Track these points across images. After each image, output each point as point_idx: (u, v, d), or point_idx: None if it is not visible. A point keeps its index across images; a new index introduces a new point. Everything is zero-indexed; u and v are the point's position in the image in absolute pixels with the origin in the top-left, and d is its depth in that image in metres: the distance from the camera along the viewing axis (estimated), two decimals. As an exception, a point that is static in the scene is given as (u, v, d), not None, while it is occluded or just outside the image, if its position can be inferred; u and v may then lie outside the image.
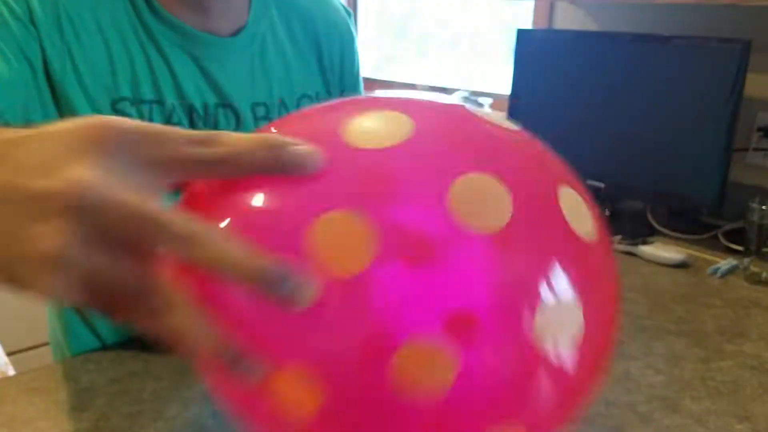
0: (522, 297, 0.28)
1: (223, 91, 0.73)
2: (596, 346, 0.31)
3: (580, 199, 0.32)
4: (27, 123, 0.61)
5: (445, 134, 0.31)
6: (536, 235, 0.29)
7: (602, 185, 1.30)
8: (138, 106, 0.69)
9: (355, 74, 0.89)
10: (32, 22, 0.62)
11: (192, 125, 0.72)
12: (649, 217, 1.29)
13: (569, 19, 1.57)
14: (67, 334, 0.81)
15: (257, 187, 0.28)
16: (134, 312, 0.27)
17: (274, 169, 0.28)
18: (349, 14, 0.88)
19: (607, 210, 1.32)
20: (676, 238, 1.22)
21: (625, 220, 1.30)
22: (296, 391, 0.28)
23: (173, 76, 0.70)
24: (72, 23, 0.64)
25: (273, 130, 0.32)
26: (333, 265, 0.26)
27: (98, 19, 0.66)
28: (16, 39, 0.61)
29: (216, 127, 0.73)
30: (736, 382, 0.75)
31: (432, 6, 2.21)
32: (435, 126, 0.31)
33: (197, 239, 0.25)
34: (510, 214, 0.28)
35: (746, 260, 1.06)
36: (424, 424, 0.28)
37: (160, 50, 0.69)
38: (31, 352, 1.68)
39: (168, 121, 0.70)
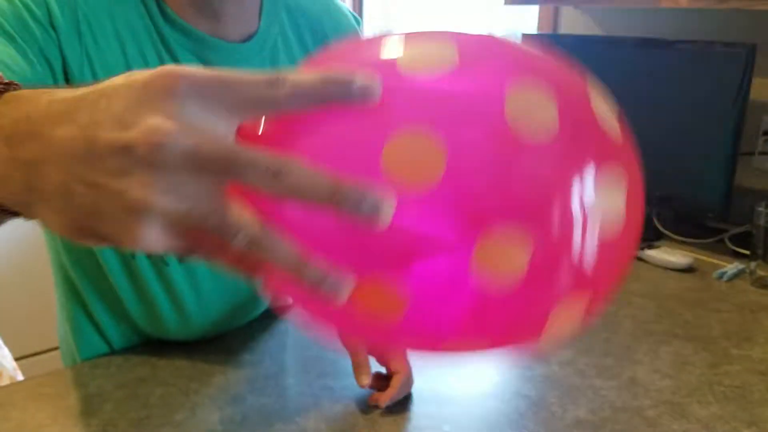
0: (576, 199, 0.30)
1: None
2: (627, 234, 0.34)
3: (605, 103, 0.35)
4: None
5: (488, 55, 0.33)
6: (581, 142, 0.32)
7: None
8: None
9: None
10: (52, 25, 0.63)
11: None
12: (655, 222, 1.28)
13: (574, 24, 1.57)
14: (77, 339, 0.81)
15: (324, 120, 0.30)
16: (223, 249, 0.30)
17: (340, 101, 0.28)
18: (357, 21, 0.89)
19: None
20: (683, 243, 1.22)
21: (631, 225, 1.30)
22: (381, 300, 0.30)
23: None
24: (90, 27, 0.65)
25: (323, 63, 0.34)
26: (408, 182, 0.28)
27: (115, 23, 0.66)
28: (37, 42, 0.61)
29: None
30: (743, 387, 0.75)
31: (437, 12, 2.21)
32: (477, 50, 0.34)
33: (283, 171, 0.26)
34: (557, 124, 0.30)
35: (753, 264, 1.06)
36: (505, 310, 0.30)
37: (173, 55, 0.70)
38: (39, 357, 1.69)
39: None
